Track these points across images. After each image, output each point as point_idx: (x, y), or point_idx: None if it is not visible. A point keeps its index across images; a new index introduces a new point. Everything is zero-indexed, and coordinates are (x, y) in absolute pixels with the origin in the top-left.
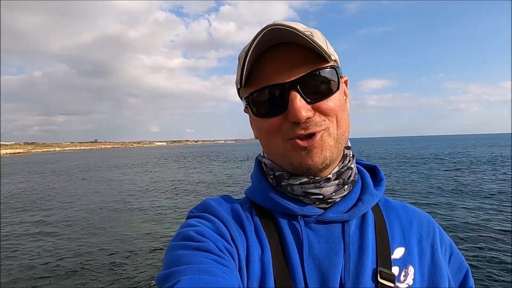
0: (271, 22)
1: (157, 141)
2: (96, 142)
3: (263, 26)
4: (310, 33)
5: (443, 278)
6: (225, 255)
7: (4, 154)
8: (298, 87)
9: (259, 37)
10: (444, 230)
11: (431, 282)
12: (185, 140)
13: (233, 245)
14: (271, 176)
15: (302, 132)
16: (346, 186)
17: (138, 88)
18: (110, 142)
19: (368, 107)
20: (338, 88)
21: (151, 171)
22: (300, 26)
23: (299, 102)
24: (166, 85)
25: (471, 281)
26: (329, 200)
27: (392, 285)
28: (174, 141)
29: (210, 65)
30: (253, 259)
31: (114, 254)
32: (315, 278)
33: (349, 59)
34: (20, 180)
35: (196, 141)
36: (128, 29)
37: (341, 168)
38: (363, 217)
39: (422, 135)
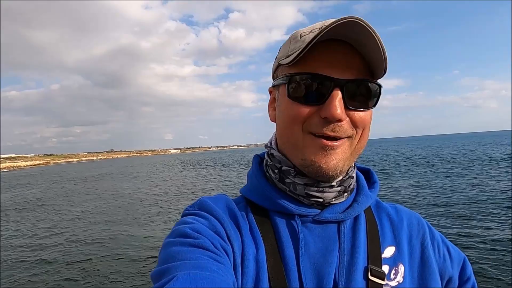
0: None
1: (171, 149)
2: (112, 151)
3: (343, 16)
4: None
5: (432, 275)
6: (221, 253)
7: (24, 166)
8: (344, 87)
9: (337, 24)
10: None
11: (421, 279)
12: (199, 147)
13: (228, 243)
14: (276, 170)
15: (328, 132)
16: (345, 194)
17: (151, 96)
18: (125, 151)
19: (381, 108)
20: (375, 105)
21: (168, 178)
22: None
23: (338, 102)
24: (178, 93)
25: (469, 269)
26: (326, 204)
27: (382, 282)
28: (188, 148)
29: (221, 72)
30: (248, 257)
31: (122, 259)
32: (310, 276)
33: None
34: (34, 188)
35: (209, 147)
36: (140, 40)
37: (344, 177)
38: (356, 218)
39: (439, 134)
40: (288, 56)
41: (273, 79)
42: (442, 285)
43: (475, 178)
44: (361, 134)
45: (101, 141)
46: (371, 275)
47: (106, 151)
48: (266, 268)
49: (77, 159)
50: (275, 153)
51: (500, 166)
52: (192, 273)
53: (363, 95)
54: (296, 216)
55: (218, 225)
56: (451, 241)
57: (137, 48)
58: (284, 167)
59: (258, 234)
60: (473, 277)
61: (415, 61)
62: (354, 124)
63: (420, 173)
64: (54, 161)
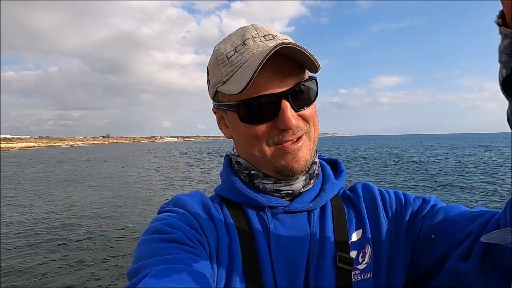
0: (250, 25)
1: (168, 137)
2: (108, 136)
3: (269, 36)
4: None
5: (385, 240)
6: (196, 245)
7: (19, 147)
8: (289, 97)
9: (271, 53)
10: None
11: (383, 249)
12: (196, 136)
13: (203, 235)
14: (244, 174)
15: (291, 138)
16: (312, 180)
17: (150, 84)
18: (122, 137)
19: (381, 104)
20: (316, 97)
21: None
22: (278, 32)
23: (289, 112)
24: (178, 81)
25: (431, 200)
26: (296, 194)
27: (350, 268)
28: (185, 137)
29: None
30: (223, 249)
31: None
32: (282, 266)
33: (361, 55)
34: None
35: (207, 137)
36: (141, 26)
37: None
38: (323, 207)
39: (437, 133)
40: (225, 82)
41: (214, 101)
42: (405, 236)
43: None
44: (314, 125)
45: (99, 126)
46: (339, 262)
47: (102, 136)
48: (241, 259)
49: (73, 143)
50: (241, 161)
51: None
52: (167, 267)
53: (306, 94)
54: (266, 208)
55: (193, 219)
56: None
57: (138, 34)
58: (252, 172)
59: (233, 226)
60: (435, 198)
61: (416, 59)
62: (306, 120)
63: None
64: (50, 144)
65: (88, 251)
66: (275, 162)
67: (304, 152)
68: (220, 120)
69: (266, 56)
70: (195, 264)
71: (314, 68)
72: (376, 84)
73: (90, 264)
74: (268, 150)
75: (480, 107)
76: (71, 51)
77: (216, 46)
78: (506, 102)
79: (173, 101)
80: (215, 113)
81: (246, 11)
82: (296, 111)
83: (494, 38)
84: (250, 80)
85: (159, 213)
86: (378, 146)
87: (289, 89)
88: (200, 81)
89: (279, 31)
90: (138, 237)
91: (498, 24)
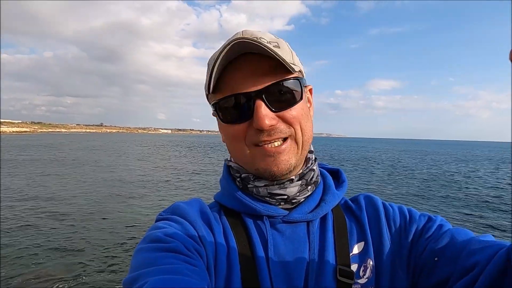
0: (241, 31)
1: (162, 129)
2: (101, 125)
3: (233, 37)
4: (276, 44)
5: (388, 255)
6: (194, 255)
7: (10, 132)
8: (264, 96)
9: (226, 49)
10: None
11: (385, 265)
12: (190, 129)
13: (201, 244)
14: (238, 179)
15: (266, 138)
16: (309, 187)
17: (147, 75)
18: (115, 126)
19: (376, 108)
20: (301, 98)
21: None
22: (267, 37)
23: (263, 110)
24: (175, 74)
25: (438, 217)
26: (293, 201)
27: (351, 282)
28: (179, 130)
29: None
30: (221, 258)
31: (108, 243)
32: (280, 276)
33: (359, 57)
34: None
35: (201, 131)
36: (141, 16)
37: (304, 170)
38: (324, 218)
39: (430, 139)
40: (207, 85)
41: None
42: (407, 253)
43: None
44: (301, 128)
45: (93, 115)
46: (340, 275)
47: (95, 125)
48: (239, 269)
49: (65, 130)
50: (233, 164)
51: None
52: (165, 277)
53: (286, 94)
54: (264, 217)
55: (191, 228)
56: None
57: (137, 24)
58: (243, 175)
59: (231, 236)
60: (440, 218)
61: (413, 64)
62: (288, 122)
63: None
64: (41, 130)
65: (74, 251)
66: (255, 163)
67: (288, 155)
68: (219, 126)
69: (221, 53)
70: (192, 275)
71: (289, 66)
72: (372, 87)
73: (80, 267)
74: (248, 150)
75: (474, 116)
76: (68, 37)
77: None
78: (498, 112)
79: (169, 93)
80: (215, 117)
81: (247, 6)
82: (273, 111)
83: (490, 49)
84: (210, 78)
85: (157, 220)
86: (371, 150)
87: (264, 88)
88: (197, 74)
89: (279, 29)
90: (130, 238)
91: None
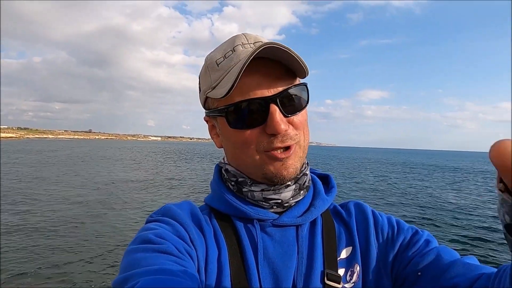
0: (241, 34)
1: (152, 136)
2: (90, 132)
3: (243, 40)
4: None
5: (373, 262)
6: (185, 257)
7: None
8: (278, 101)
9: (256, 52)
10: None
11: (371, 271)
12: (180, 137)
13: (192, 247)
14: (233, 183)
15: (279, 144)
16: (302, 191)
17: (137, 81)
18: (104, 133)
19: (365, 117)
20: (307, 103)
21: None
22: (264, 39)
23: (278, 116)
24: (166, 80)
25: (425, 232)
26: (285, 204)
27: (338, 286)
28: (169, 137)
29: None
30: (211, 260)
31: (93, 249)
32: (269, 279)
33: (349, 68)
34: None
35: (191, 138)
36: (132, 22)
37: (298, 174)
38: (313, 222)
39: (418, 149)
40: (214, 88)
41: (205, 109)
42: (391, 262)
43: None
44: (304, 133)
45: (81, 120)
46: (327, 279)
47: (84, 131)
48: (229, 272)
49: (53, 136)
50: (230, 168)
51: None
52: (156, 278)
53: (295, 99)
54: (254, 220)
55: (182, 230)
56: None
57: (128, 30)
58: (240, 179)
59: (222, 239)
60: (427, 233)
61: (402, 76)
62: (296, 127)
63: None
64: (28, 136)
65: (63, 255)
66: (264, 168)
67: (294, 159)
68: (212, 129)
69: (250, 56)
70: (184, 276)
71: (302, 72)
72: (362, 97)
73: (69, 271)
74: (257, 156)
75: (460, 126)
76: (58, 41)
77: (207, 55)
78: (485, 123)
79: (159, 100)
80: (207, 122)
81: (238, 16)
82: (285, 116)
83: (477, 62)
84: (234, 82)
85: (147, 222)
86: (359, 159)
87: (278, 93)
88: (187, 81)
89: (270, 39)
90: (122, 242)
91: (500, 190)
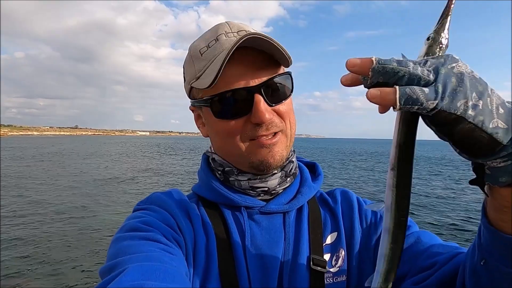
0: (225, 22)
1: (140, 131)
2: (76, 128)
3: (225, 29)
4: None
5: (357, 245)
6: (173, 244)
7: None
8: (262, 90)
9: (239, 43)
10: None
11: (355, 255)
12: (169, 131)
13: (180, 234)
14: (219, 172)
15: (264, 132)
16: (288, 178)
17: (124, 75)
18: (91, 129)
19: (354, 108)
20: (291, 92)
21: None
22: (248, 28)
23: (263, 105)
24: (153, 75)
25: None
26: (273, 192)
27: (323, 270)
28: (158, 132)
29: None
30: (199, 247)
31: (81, 246)
32: (256, 265)
33: (337, 60)
34: None
35: (180, 133)
36: (117, 16)
37: (284, 162)
38: (300, 209)
39: None
40: (198, 78)
41: (190, 98)
42: (374, 247)
43: None
44: (289, 121)
45: (67, 117)
46: (313, 264)
47: (70, 127)
48: (217, 258)
49: (38, 133)
50: (216, 157)
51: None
52: (144, 264)
53: (280, 88)
54: (242, 208)
55: (170, 218)
56: None
57: (113, 24)
58: (226, 168)
59: (210, 226)
60: (409, 219)
61: None
62: (281, 116)
63: None
64: (12, 133)
65: (49, 249)
66: (251, 157)
67: (280, 147)
68: (197, 119)
69: (233, 47)
70: (171, 263)
71: (286, 61)
72: (350, 88)
73: (53, 263)
74: (243, 145)
75: None
76: (41, 36)
77: (191, 43)
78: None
79: (147, 94)
80: (192, 111)
81: (225, 8)
82: (270, 105)
83: (465, 54)
84: (218, 73)
85: (134, 211)
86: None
87: (262, 82)
88: (175, 75)
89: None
90: (109, 234)
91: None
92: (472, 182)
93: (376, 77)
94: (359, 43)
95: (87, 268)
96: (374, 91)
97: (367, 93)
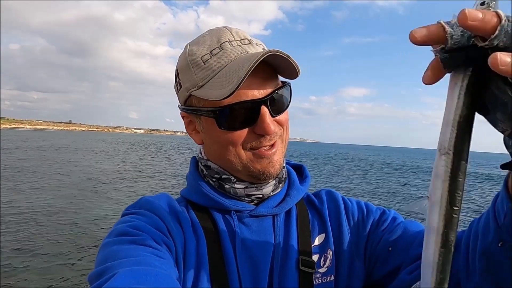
0: (224, 27)
1: (134, 128)
2: (70, 123)
3: (245, 40)
4: (263, 47)
5: (346, 244)
6: (163, 248)
7: None
8: (268, 102)
9: (258, 60)
10: None
11: (343, 255)
12: (164, 130)
13: (170, 238)
14: (214, 179)
15: (268, 143)
16: (280, 184)
17: (120, 71)
18: (85, 124)
19: (348, 114)
20: (290, 102)
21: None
22: (254, 40)
23: (268, 118)
24: (149, 72)
25: (391, 213)
26: (265, 198)
27: (312, 271)
28: (152, 130)
29: None
30: (190, 251)
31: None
32: (247, 268)
33: (333, 65)
34: None
35: (175, 132)
36: (114, 11)
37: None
38: (288, 212)
39: (398, 146)
40: (201, 87)
41: (185, 105)
42: (364, 244)
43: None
44: (286, 129)
45: (61, 111)
46: (302, 266)
47: (63, 122)
48: (207, 262)
49: (30, 126)
50: (212, 165)
51: None
52: (134, 269)
53: (281, 100)
54: (232, 211)
55: (159, 222)
56: None
57: (110, 19)
58: (224, 176)
59: (200, 230)
60: (394, 212)
61: (384, 74)
62: (280, 125)
63: None
64: (4, 126)
65: (40, 246)
66: (251, 167)
67: (279, 156)
68: (189, 125)
69: (254, 64)
70: (161, 267)
71: (295, 74)
72: (345, 94)
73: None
74: (244, 155)
75: (439, 125)
76: (36, 29)
77: (187, 46)
78: None
79: (142, 91)
80: (183, 117)
81: (224, 9)
82: (273, 116)
83: None
84: (237, 87)
85: (123, 215)
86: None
87: (268, 95)
88: (171, 73)
89: (256, 33)
90: (98, 236)
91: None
92: (504, 166)
93: (501, 38)
94: (355, 49)
95: (75, 264)
96: (475, 11)
97: (463, 12)
